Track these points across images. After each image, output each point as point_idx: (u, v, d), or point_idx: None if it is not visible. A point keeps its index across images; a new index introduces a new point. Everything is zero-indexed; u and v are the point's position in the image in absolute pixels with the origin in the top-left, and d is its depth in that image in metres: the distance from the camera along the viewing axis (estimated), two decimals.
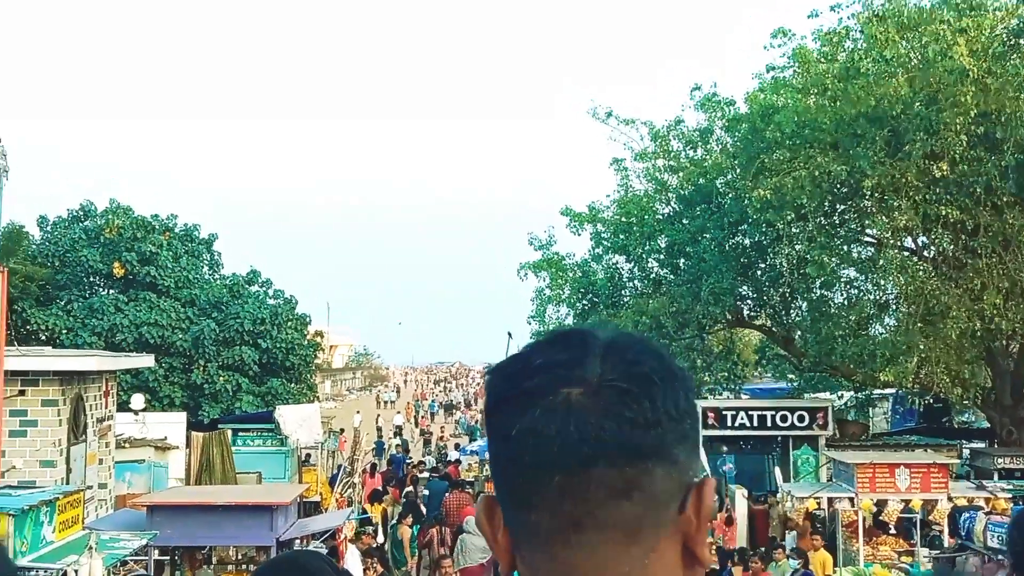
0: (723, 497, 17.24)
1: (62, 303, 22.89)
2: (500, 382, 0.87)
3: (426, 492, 19.72)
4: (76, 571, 9.03)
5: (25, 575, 8.69)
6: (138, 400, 18.61)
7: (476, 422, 42.46)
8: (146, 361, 19.23)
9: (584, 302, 22.10)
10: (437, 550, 14.59)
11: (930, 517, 14.68)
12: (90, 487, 14.75)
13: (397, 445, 29.56)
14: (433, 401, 56.62)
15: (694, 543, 0.83)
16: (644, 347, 0.87)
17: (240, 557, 12.82)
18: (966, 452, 19.76)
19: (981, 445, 20.52)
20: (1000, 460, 17.39)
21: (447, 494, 17.82)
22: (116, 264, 22.70)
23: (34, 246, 23.74)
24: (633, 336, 0.88)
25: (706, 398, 22.23)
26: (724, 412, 20.62)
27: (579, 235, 22.35)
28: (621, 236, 21.56)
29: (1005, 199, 16.38)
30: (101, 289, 23.05)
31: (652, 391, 0.80)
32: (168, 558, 12.47)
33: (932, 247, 18.46)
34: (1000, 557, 11.04)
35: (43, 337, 21.50)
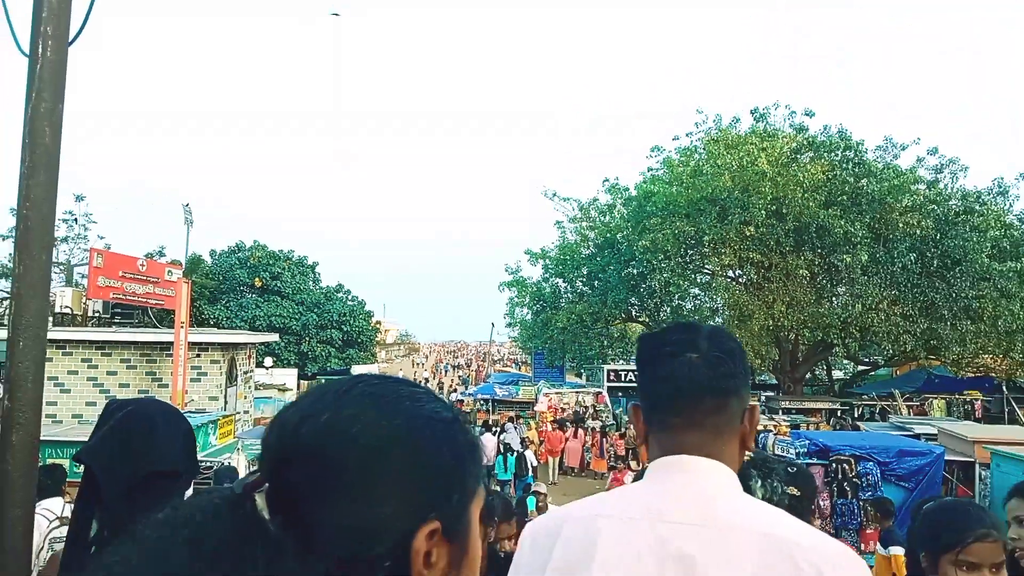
0: (621, 422, 22.16)
1: (223, 303, 27.94)
2: (655, 343, 1.35)
3: None
4: (229, 461, 10.64)
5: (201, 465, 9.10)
6: (268, 361, 23.70)
7: (468, 376, 56.07)
8: (273, 337, 23.76)
9: (537, 306, 26.53)
10: None
11: None
12: (238, 413, 17.96)
13: None
14: (447, 364, 72.88)
15: (747, 441, 1.26)
16: (726, 335, 1.33)
17: None
18: (763, 398, 22.07)
19: (772, 394, 23.72)
20: (783, 403, 21.15)
21: None
22: (257, 279, 28.35)
23: (207, 268, 28.56)
24: (720, 329, 1.35)
25: (610, 364, 26.59)
26: (620, 372, 26.23)
27: (535, 266, 27.16)
28: (560, 267, 26.00)
29: (787, 248, 20.73)
30: (247, 294, 28.14)
31: (733, 358, 1.27)
32: None
33: (744, 276, 23.17)
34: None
35: (211, 323, 26.40)
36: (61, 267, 26.87)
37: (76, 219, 26.96)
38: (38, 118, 2.29)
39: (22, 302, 2.30)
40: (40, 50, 2.31)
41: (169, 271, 20.76)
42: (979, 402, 21.63)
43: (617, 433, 21.12)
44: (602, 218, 26.14)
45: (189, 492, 2.12)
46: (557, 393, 24.66)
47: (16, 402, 2.28)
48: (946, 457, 12.15)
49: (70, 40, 2.38)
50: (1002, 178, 22.04)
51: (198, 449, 9.48)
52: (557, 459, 20.50)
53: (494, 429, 20.26)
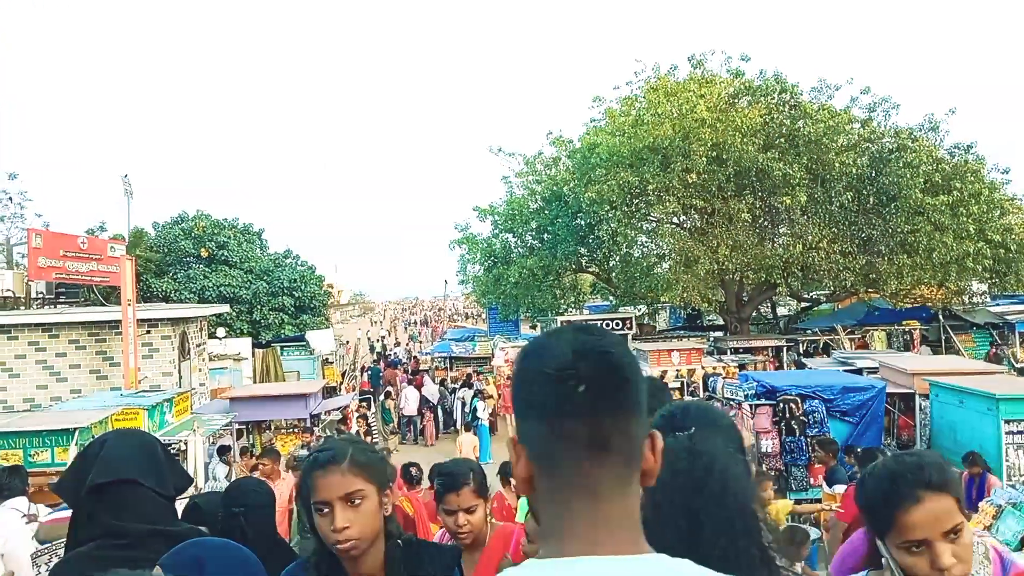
0: None
1: (170, 275, 27.58)
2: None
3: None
4: (187, 441, 10.48)
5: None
6: (221, 332, 23.56)
7: (419, 332, 58.52)
8: (223, 308, 23.89)
9: (488, 262, 26.54)
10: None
11: (692, 379, 17.49)
12: (194, 389, 17.38)
13: (373, 360, 36.34)
14: (405, 321, 75.36)
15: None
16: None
17: (286, 424, 15.47)
18: (711, 339, 22.75)
19: (720, 335, 24.28)
20: (731, 343, 21.48)
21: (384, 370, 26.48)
22: (203, 249, 27.89)
23: (150, 240, 28.29)
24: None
25: (561, 315, 26.47)
26: (574, 322, 26.76)
27: (484, 222, 27.16)
28: (509, 222, 26.00)
29: (729, 193, 21.09)
30: (194, 265, 27.66)
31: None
32: (244, 427, 14.76)
33: (688, 223, 23.44)
34: (730, 403, 13.00)
35: (159, 297, 26.17)
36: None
37: (11, 198, 26.21)
38: None
39: None
40: None
41: (112, 247, 20.37)
42: (917, 331, 22.50)
43: None
44: (548, 171, 26.20)
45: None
46: (514, 347, 24.95)
47: None
48: (888, 390, 12.70)
49: None
50: (932, 114, 22.50)
51: (153, 429, 9.45)
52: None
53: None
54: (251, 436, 15.19)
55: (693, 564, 1.10)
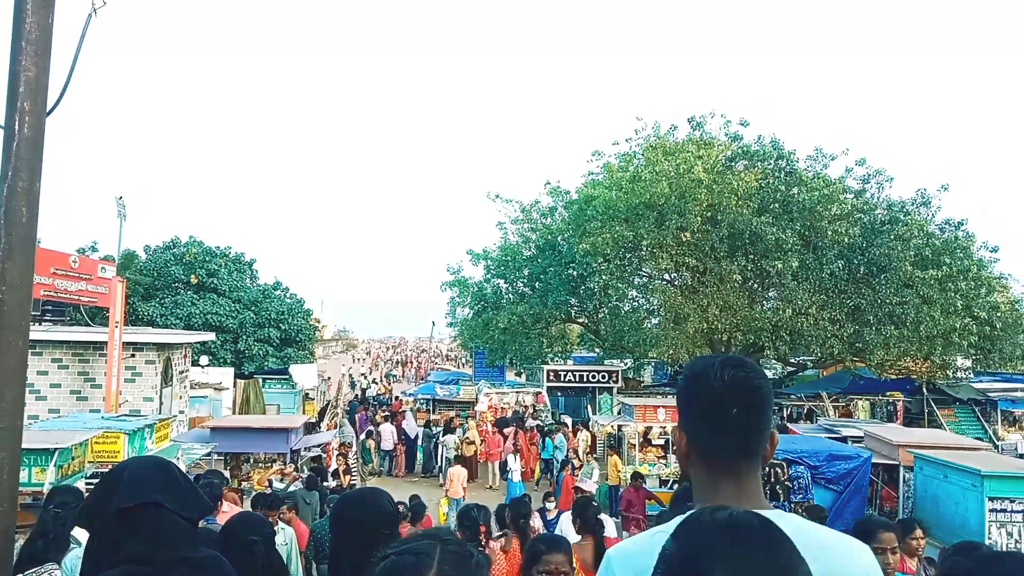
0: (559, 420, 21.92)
1: (158, 299, 27.43)
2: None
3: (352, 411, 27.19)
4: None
5: None
6: (204, 359, 23.36)
7: (400, 372, 57.87)
8: (209, 336, 23.49)
9: (478, 306, 26.74)
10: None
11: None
12: (175, 416, 17.13)
13: (353, 398, 35.54)
14: (389, 359, 74.22)
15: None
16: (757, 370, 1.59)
17: (265, 458, 15.30)
18: None
19: None
20: None
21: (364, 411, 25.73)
22: (193, 276, 27.81)
23: (141, 264, 28.14)
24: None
25: (547, 363, 26.34)
26: (560, 372, 25.44)
27: (476, 266, 27.34)
28: (501, 268, 26.32)
29: (721, 254, 21.40)
30: (182, 291, 27.56)
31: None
32: (223, 458, 14.45)
33: (680, 280, 23.60)
34: None
35: (145, 320, 25.96)
36: None
37: None
38: (14, 197, 2.24)
39: None
40: (16, 126, 2.25)
41: (103, 267, 20.12)
42: (901, 403, 22.53)
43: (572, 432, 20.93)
44: (543, 220, 26.52)
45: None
46: (498, 393, 24.81)
47: None
48: (872, 460, 12.70)
49: (48, 112, 2.35)
50: (924, 189, 23.01)
51: (133, 455, 8.98)
52: (498, 463, 20.66)
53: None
54: (229, 466, 14.77)
55: (802, 519, 1.58)
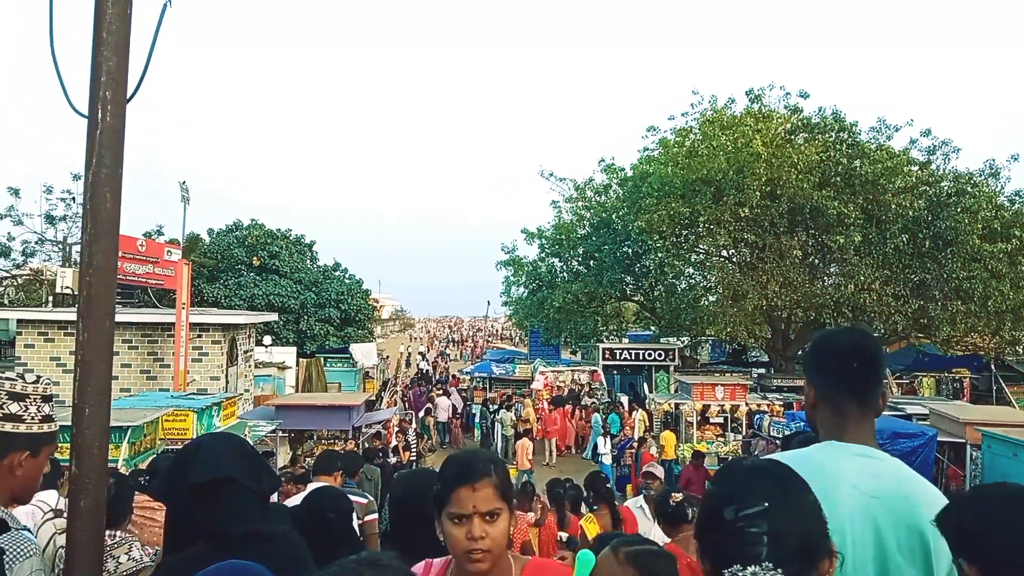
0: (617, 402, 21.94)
1: (222, 281, 28.40)
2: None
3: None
4: None
5: None
6: (267, 339, 23.90)
7: (458, 352, 59.23)
8: (272, 316, 23.84)
9: (533, 285, 26.76)
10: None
11: (735, 415, 17.98)
12: (241, 394, 17.84)
13: (415, 376, 36.96)
14: (447, 337, 77.50)
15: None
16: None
17: (328, 435, 15.52)
18: (755, 376, 22.60)
19: (764, 372, 24.02)
20: (775, 381, 21.14)
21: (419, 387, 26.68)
22: (255, 258, 28.69)
23: (205, 246, 29.12)
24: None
25: (602, 342, 26.41)
26: (616, 351, 25.59)
27: (531, 245, 27.44)
28: (556, 246, 26.24)
29: (781, 230, 20.96)
30: (246, 273, 28.47)
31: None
32: (287, 435, 14.96)
33: (738, 257, 23.04)
34: (777, 442, 13.04)
35: (210, 302, 26.90)
36: (59, 246, 26.85)
37: (74, 198, 26.87)
38: (99, 184, 2.35)
39: (87, 369, 2.33)
40: (100, 115, 2.35)
41: (168, 251, 20.77)
42: (967, 380, 21.98)
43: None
44: (598, 198, 26.30)
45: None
46: (554, 371, 24.88)
47: (83, 469, 2.34)
48: (938, 439, 12.31)
49: (127, 99, 2.44)
50: (993, 160, 22.09)
51: (201, 432, 9.38)
52: (553, 440, 20.80)
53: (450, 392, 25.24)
54: (294, 444, 15.30)
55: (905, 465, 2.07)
